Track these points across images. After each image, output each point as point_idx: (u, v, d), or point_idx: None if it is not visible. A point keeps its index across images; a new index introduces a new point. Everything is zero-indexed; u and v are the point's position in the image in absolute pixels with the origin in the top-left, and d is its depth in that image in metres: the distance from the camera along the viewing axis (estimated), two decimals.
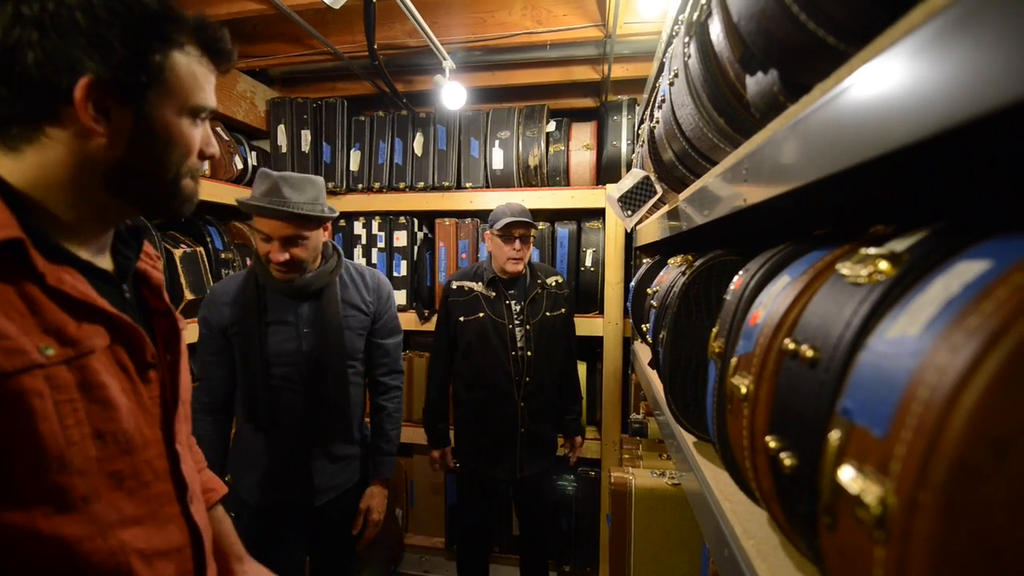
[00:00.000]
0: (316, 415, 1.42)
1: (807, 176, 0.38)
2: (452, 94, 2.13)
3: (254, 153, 2.40)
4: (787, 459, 0.38)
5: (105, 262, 0.66)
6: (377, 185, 2.46)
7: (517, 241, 1.80)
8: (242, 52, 2.34)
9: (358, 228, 2.49)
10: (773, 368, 0.44)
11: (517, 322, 1.88)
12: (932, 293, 0.27)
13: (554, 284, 1.96)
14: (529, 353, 1.86)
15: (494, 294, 1.88)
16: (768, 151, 0.48)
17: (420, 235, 2.49)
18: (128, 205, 0.63)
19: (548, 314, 1.91)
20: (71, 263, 0.59)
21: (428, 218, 2.51)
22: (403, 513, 2.71)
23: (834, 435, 0.30)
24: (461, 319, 1.88)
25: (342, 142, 2.47)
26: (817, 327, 0.38)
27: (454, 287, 1.93)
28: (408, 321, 2.42)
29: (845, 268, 0.38)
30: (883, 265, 0.34)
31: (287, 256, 1.32)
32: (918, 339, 0.26)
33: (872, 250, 0.36)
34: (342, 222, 2.51)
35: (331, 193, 2.51)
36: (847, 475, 0.27)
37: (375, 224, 2.47)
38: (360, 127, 2.48)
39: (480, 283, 1.90)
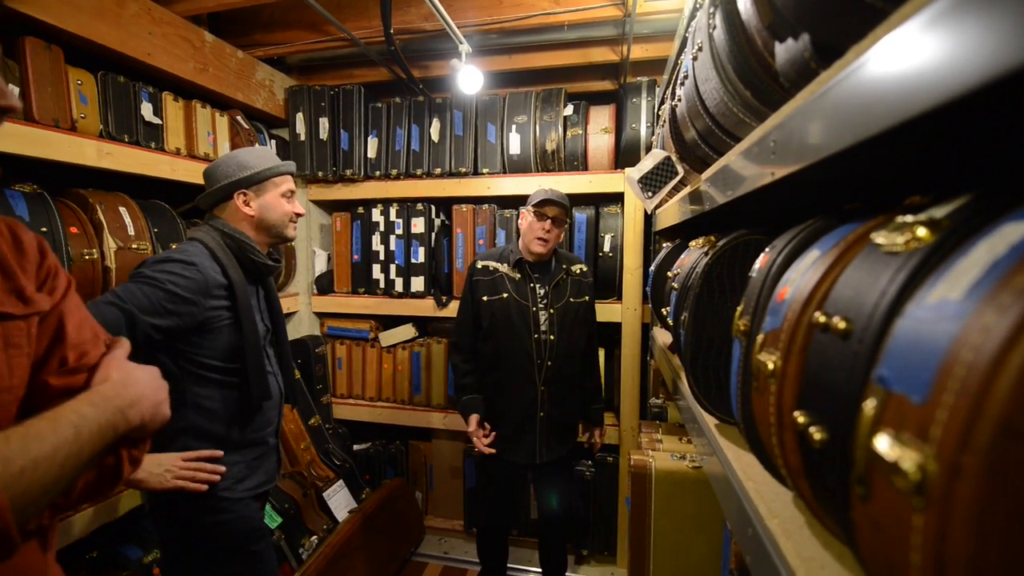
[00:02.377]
0: (289, 399, 1.50)
1: (843, 142, 0.37)
2: (468, 78, 2.11)
3: (273, 141, 2.43)
4: (817, 433, 0.37)
5: None
6: (394, 172, 2.46)
7: (549, 221, 1.81)
8: (260, 40, 2.36)
9: (376, 215, 2.51)
10: (802, 343, 0.43)
11: (541, 305, 1.88)
12: (975, 256, 0.26)
13: (578, 271, 1.96)
14: (552, 337, 1.86)
15: (519, 275, 1.88)
16: (799, 120, 0.47)
17: (437, 222, 2.49)
18: None
19: (572, 300, 1.90)
20: None
21: (445, 204, 2.51)
22: (423, 496, 2.76)
23: (869, 404, 0.29)
24: (484, 299, 1.88)
25: (359, 129, 2.48)
26: (850, 298, 0.37)
27: (479, 266, 1.93)
28: (426, 308, 2.44)
29: (880, 237, 0.36)
30: (921, 232, 0.33)
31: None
32: (961, 303, 0.25)
33: (909, 218, 0.35)
34: (360, 209, 2.53)
35: (349, 180, 2.53)
36: (883, 443, 0.26)
37: (392, 211, 2.48)
38: (377, 114, 2.48)
39: (506, 264, 1.90)
